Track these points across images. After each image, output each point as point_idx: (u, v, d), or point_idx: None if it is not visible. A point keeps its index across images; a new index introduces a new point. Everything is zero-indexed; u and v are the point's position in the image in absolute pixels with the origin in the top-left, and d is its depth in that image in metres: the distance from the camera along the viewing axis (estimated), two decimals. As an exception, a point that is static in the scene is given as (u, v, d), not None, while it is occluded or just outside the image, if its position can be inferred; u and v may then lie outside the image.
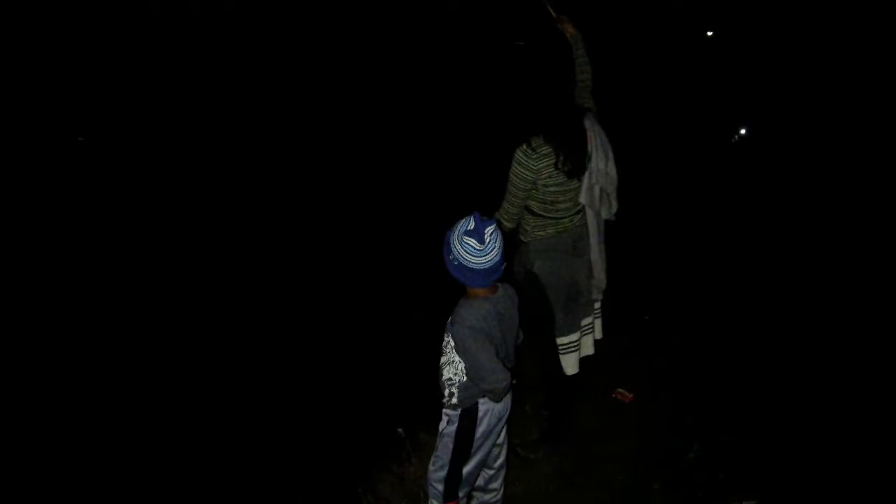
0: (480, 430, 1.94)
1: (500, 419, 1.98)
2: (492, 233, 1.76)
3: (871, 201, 4.86)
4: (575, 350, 2.52)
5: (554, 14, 2.56)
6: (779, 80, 6.62)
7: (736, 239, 4.82)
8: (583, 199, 2.32)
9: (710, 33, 7.34)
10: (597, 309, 2.63)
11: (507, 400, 1.96)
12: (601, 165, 2.30)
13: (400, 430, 2.63)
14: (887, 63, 5.93)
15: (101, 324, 3.85)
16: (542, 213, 2.34)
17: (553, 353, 2.50)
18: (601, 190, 2.35)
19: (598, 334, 2.67)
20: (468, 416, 1.92)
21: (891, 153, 5.32)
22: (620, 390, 3.12)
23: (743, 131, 6.99)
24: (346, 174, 5.79)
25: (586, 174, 2.29)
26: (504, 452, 2.15)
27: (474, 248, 1.75)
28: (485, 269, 1.78)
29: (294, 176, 5.78)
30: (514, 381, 1.89)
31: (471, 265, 1.77)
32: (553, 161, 2.21)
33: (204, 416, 3.12)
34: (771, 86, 6.65)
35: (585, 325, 2.56)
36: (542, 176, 2.23)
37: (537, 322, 2.42)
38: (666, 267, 4.42)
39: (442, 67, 7.13)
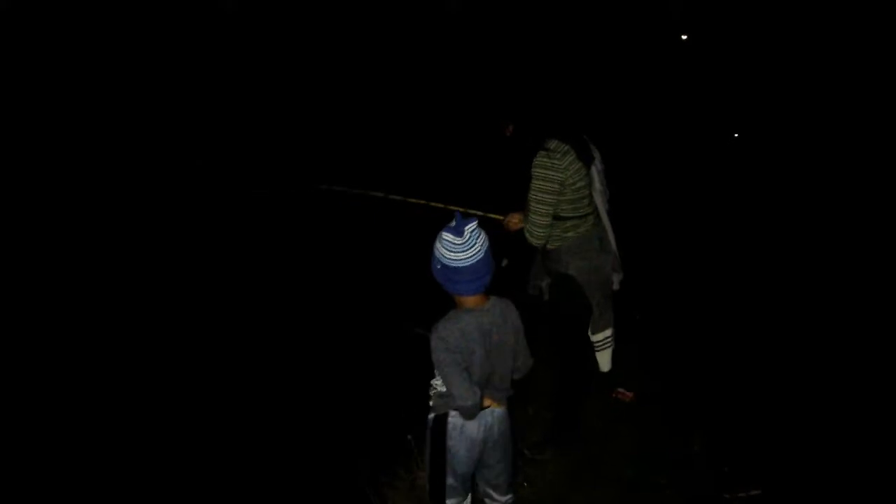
0: (450, 443, 1.85)
1: (473, 442, 1.85)
2: (472, 230, 1.66)
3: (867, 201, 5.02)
4: (609, 346, 2.55)
5: None
6: (771, 82, 6.75)
7: (730, 237, 4.93)
8: (597, 197, 2.40)
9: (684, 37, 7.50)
10: None
11: (484, 423, 1.83)
12: (599, 167, 2.42)
13: (409, 436, 2.63)
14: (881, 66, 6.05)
15: (110, 328, 3.87)
16: (572, 214, 2.35)
17: (585, 355, 2.53)
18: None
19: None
20: (437, 424, 1.86)
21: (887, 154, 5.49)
22: (620, 390, 3.16)
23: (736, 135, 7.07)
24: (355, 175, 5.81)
25: (593, 165, 2.36)
26: (505, 471, 1.98)
27: (451, 241, 1.65)
28: (466, 268, 1.66)
29: (307, 175, 5.78)
30: (485, 406, 1.81)
31: (450, 263, 1.66)
32: (575, 155, 2.25)
33: (217, 419, 3.14)
34: (765, 89, 6.77)
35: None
36: (571, 173, 2.25)
37: (572, 325, 2.46)
38: (657, 266, 4.50)
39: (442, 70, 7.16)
